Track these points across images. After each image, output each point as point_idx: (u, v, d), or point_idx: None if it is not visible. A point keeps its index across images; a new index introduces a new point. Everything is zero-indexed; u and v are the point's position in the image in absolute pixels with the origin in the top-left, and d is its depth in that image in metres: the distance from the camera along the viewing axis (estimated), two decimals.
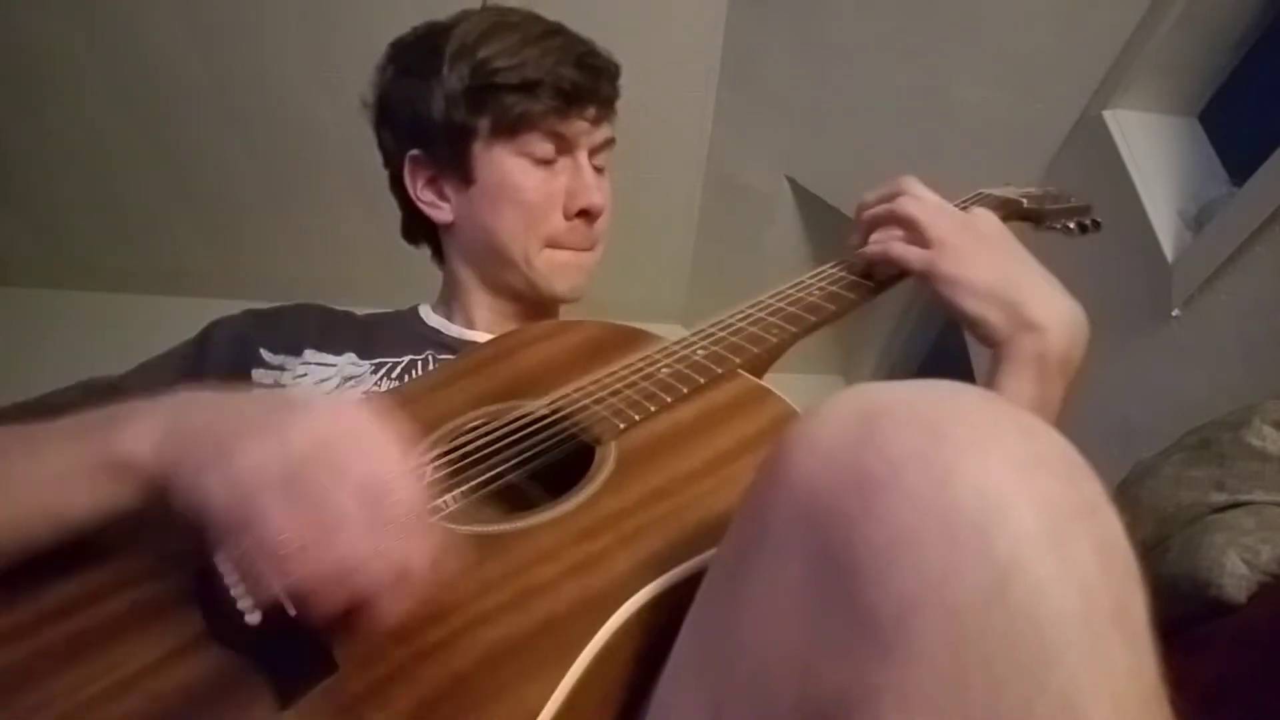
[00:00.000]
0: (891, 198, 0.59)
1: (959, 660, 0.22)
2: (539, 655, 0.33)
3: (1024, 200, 0.74)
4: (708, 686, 0.30)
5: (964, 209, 0.63)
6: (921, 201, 0.57)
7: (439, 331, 0.75)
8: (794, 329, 0.57)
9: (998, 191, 0.74)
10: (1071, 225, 0.76)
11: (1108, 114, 1.24)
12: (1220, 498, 0.71)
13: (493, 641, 0.34)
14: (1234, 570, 0.63)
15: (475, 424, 0.50)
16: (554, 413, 0.50)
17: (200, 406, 0.38)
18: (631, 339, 0.59)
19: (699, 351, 0.55)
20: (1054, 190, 0.79)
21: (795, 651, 0.26)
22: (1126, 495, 0.81)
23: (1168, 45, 1.16)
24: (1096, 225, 0.78)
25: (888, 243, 0.58)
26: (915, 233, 0.56)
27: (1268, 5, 1.12)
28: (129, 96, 1.80)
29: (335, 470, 0.33)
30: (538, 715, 0.31)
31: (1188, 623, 0.64)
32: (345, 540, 0.32)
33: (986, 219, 0.57)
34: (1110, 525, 0.25)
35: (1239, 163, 1.13)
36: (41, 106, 1.82)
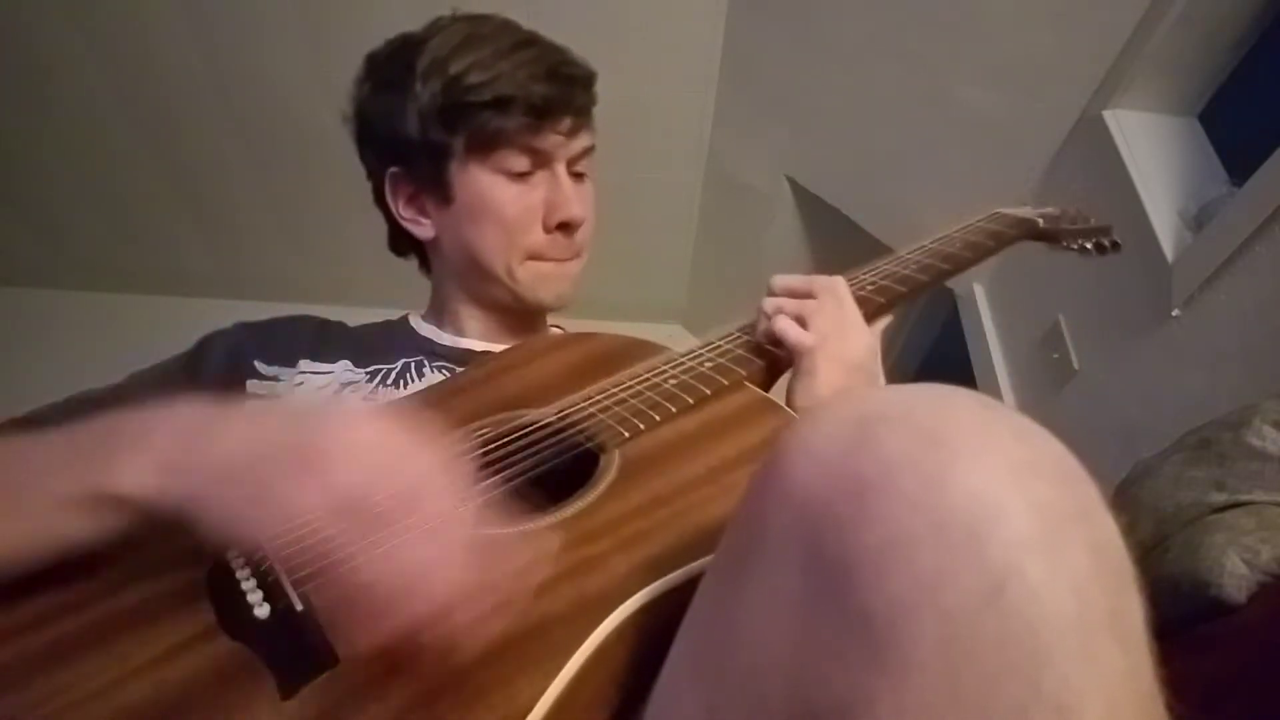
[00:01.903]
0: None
1: (952, 663, 0.22)
2: (533, 654, 0.34)
3: (1040, 220, 0.74)
4: (703, 691, 0.30)
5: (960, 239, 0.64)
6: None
7: (431, 340, 0.75)
8: None
9: (1014, 211, 0.74)
10: (1089, 246, 0.76)
11: (1108, 114, 1.24)
12: (1220, 498, 0.71)
13: (489, 640, 0.34)
14: (1234, 570, 0.63)
15: (483, 431, 0.51)
16: (561, 421, 0.50)
17: (207, 429, 0.37)
18: (640, 351, 0.59)
19: (706, 363, 0.55)
20: (1072, 210, 0.79)
21: (790, 656, 0.26)
22: (1126, 495, 0.81)
23: (1168, 45, 1.16)
24: (1116, 246, 0.78)
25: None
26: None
27: (1268, 5, 1.12)
28: (130, 97, 1.80)
29: (387, 484, 0.32)
30: (529, 712, 0.32)
31: (1188, 623, 0.64)
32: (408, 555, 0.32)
33: (866, 345, 0.58)
34: (1105, 530, 0.25)
35: (1239, 163, 1.13)
36: (43, 107, 1.82)
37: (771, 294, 0.60)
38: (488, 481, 0.46)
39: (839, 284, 0.59)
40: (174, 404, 0.39)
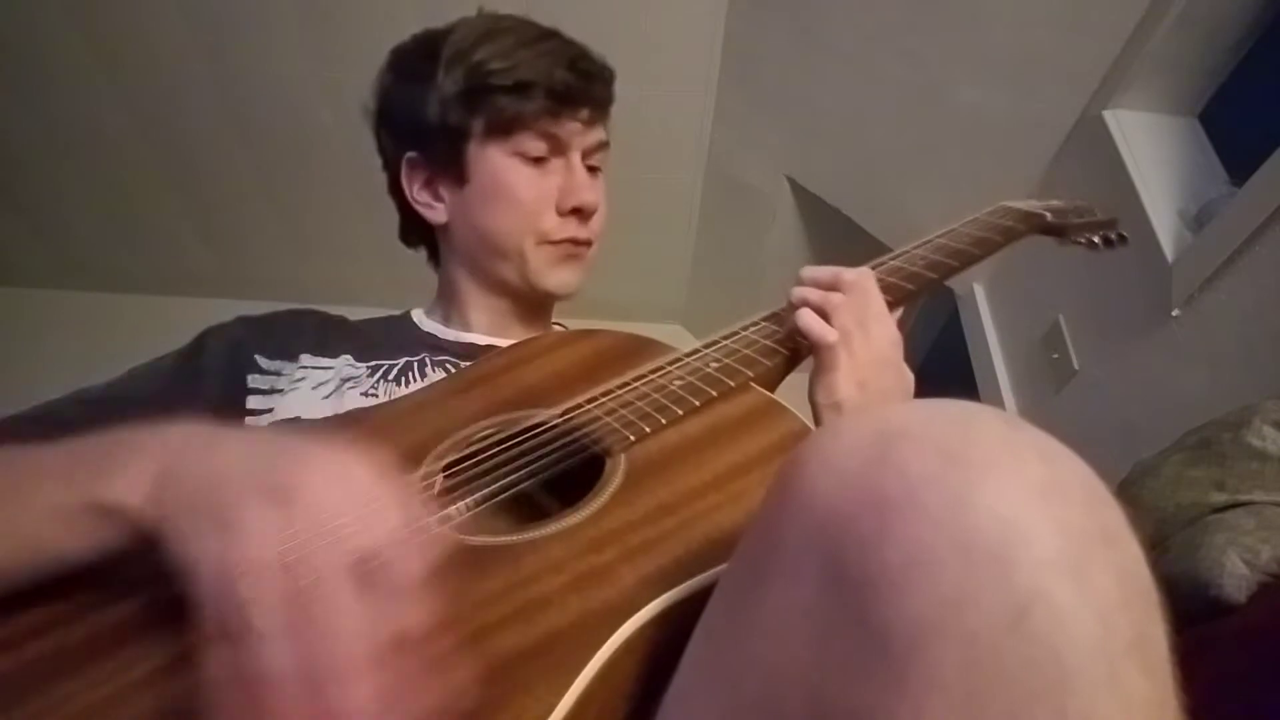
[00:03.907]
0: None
1: (974, 687, 0.22)
2: (540, 669, 0.33)
3: (1047, 214, 0.73)
4: (717, 705, 0.29)
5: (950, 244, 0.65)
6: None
7: (434, 335, 0.75)
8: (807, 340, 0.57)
9: (1020, 205, 0.74)
10: (1096, 240, 0.76)
11: (1108, 114, 1.24)
12: (1220, 498, 0.71)
13: (495, 654, 0.34)
14: (1234, 570, 0.63)
15: (487, 433, 0.50)
16: (566, 423, 0.49)
17: (195, 452, 0.36)
18: (645, 349, 0.59)
19: (712, 363, 0.55)
20: (1080, 204, 0.79)
21: (807, 673, 0.25)
22: (1126, 495, 0.81)
23: (1168, 45, 1.16)
24: (1123, 239, 0.78)
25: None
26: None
27: (1268, 5, 1.12)
28: (132, 97, 1.80)
29: (334, 551, 0.30)
30: None
31: (1188, 623, 0.64)
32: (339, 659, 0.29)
33: (890, 338, 0.57)
34: (1131, 554, 0.25)
35: (1239, 163, 1.13)
36: (45, 107, 1.82)
37: (799, 284, 0.60)
38: (492, 487, 0.45)
39: (865, 277, 0.57)
40: (174, 420, 0.39)
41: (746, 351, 0.56)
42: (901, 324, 0.60)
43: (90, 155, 1.93)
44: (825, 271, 0.59)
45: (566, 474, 0.47)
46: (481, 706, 0.32)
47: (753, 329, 0.60)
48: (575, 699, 0.33)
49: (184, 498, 0.34)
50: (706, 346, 0.58)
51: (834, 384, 0.54)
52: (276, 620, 0.29)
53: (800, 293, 0.58)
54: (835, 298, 0.56)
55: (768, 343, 0.57)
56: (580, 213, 0.71)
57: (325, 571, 0.30)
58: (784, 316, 0.60)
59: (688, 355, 0.56)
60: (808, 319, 0.56)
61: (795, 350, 0.57)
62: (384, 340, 0.72)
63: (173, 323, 0.79)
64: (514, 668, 0.33)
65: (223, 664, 0.29)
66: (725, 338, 0.59)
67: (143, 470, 0.36)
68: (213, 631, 0.29)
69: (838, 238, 1.80)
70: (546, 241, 0.71)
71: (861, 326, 0.55)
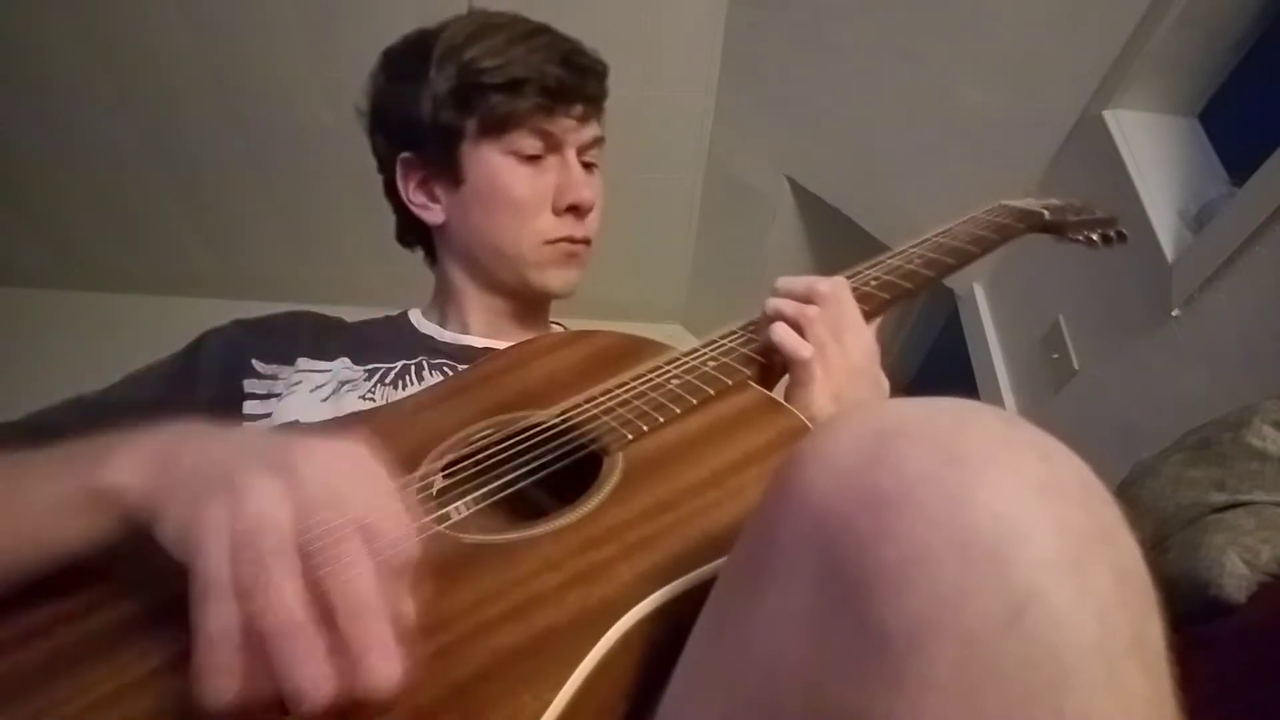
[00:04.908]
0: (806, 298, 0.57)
1: (971, 686, 0.22)
2: (538, 665, 0.33)
3: (1045, 212, 0.73)
4: (715, 702, 0.29)
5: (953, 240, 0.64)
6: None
7: (431, 338, 0.75)
8: None
9: (1018, 203, 0.74)
10: (1095, 237, 0.76)
11: (1108, 114, 1.24)
12: (1220, 498, 0.71)
13: (493, 650, 0.34)
14: (1234, 570, 0.63)
15: (485, 433, 0.51)
16: (563, 422, 0.50)
17: (194, 440, 0.37)
18: (643, 349, 0.58)
19: (709, 363, 0.55)
20: (1077, 202, 0.79)
21: (805, 670, 0.25)
22: (1126, 495, 0.81)
23: (1168, 45, 1.16)
24: (1122, 237, 0.78)
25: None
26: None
27: (1268, 5, 1.12)
28: (132, 98, 1.80)
29: (342, 514, 0.32)
30: None
31: (1188, 623, 0.64)
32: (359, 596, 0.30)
33: (866, 349, 0.56)
34: (1128, 552, 0.24)
35: (1239, 163, 1.13)
36: (46, 108, 1.82)
37: (775, 295, 0.59)
38: (490, 486, 0.45)
39: (840, 287, 0.57)
40: (171, 422, 0.39)
41: (745, 350, 0.56)
42: (880, 333, 0.59)
43: (90, 155, 1.93)
44: (799, 282, 0.58)
45: (565, 473, 0.47)
46: (480, 702, 0.32)
47: (752, 328, 0.60)
48: (573, 694, 0.33)
49: (184, 474, 0.34)
50: (705, 346, 0.58)
51: (809, 398, 0.53)
52: (293, 568, 0.30)
53: (774, 304, 0.57)
54: (810, 310, 0.55)
55: (747, 351, 0.57)
56: (577, 210, 0.71)
57: (336, 534, 0.31)
58: (760, 326, 0.59)
59: (685, 355, 0.56)
60: (782, 333, 0.55)
61: (774, 361, 0.57)
62: (381, 342, 0.72)
63: (172, 323, 0.79)
64: (512, 664, 0.33)
65: (224, 618, 0.29)
66: (724, 337, 0.59)
67: (138, 458, 0.36)
68: (212, 588, 0.30)
69: (838, 238, 1.80)
70: (544, 241, 0.71)
71: (836, 338, 0.54)
